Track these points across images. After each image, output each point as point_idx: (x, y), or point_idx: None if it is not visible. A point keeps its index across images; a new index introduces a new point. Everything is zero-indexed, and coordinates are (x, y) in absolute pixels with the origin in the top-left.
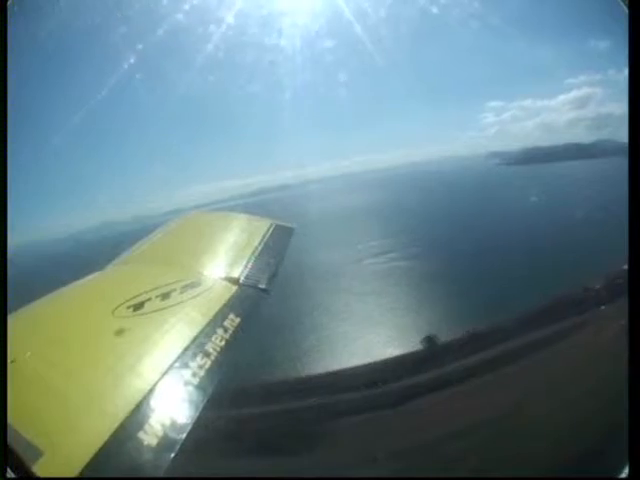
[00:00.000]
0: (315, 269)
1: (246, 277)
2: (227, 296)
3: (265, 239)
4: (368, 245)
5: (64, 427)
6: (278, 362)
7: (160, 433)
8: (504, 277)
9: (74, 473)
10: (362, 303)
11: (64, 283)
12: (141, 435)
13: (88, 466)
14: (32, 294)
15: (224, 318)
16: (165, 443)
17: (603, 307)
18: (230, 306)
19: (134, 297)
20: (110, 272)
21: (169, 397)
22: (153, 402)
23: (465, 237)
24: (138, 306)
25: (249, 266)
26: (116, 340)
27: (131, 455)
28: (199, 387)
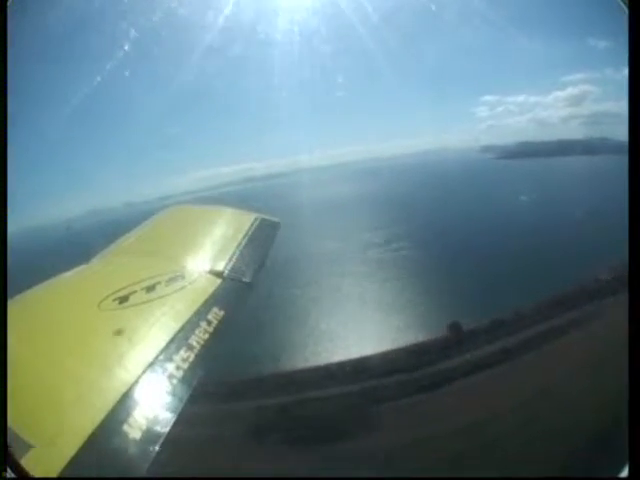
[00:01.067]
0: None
1: (230, 270)
2: (211, 289)
3: (250, 233)
4: (367, 235)
5: (50, 420)
6: (296, 348)
7: (144, 426)
8: (500, 271)
9: (60, 467)
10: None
11: (53, 274)
12: (125, 428)
13: (73, 460)
14: (20, 285)
15: (208, 311)
16: (149, 436)
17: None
18: (214, 299)
19: (120, 290)
20: (97, 265)
21: (153, 390)
22: (137, 395)
23: (461, 229)
24: (124, 299)
25: (234, 260)
26: (102, 333)
27: (115, 448)
28: (183, 380)
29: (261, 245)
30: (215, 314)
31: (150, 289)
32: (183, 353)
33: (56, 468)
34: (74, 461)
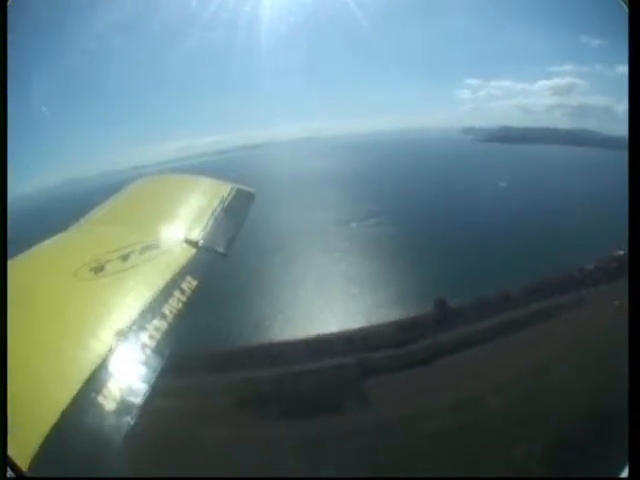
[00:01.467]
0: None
1: (205, 240)
2: (185, 258)
3: (225, 203)
4: (343, 210)
5: (26, 394)
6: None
7: (118, 398)
8: (476, 250)
9: (37, 443)
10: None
11: (31, 244)
12: (100, 400)
13: (50, 435)
14: None
15: (182, 280)
16: (123, 407)
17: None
18: (188, 268)
19: (95, 259)
20: (73, 234)
21: (127, 361)
22: (111, 366)
23: (441, 209)
24: (99, 268)
25: (208, 229)
26: (77, 303)
27: (90, 421)
28: (156, 350)
29: (236, 215)
30: (189, 283)
31: (125, 258)
32: (157, 322)
33: (32, 445)
34: (48, 439)
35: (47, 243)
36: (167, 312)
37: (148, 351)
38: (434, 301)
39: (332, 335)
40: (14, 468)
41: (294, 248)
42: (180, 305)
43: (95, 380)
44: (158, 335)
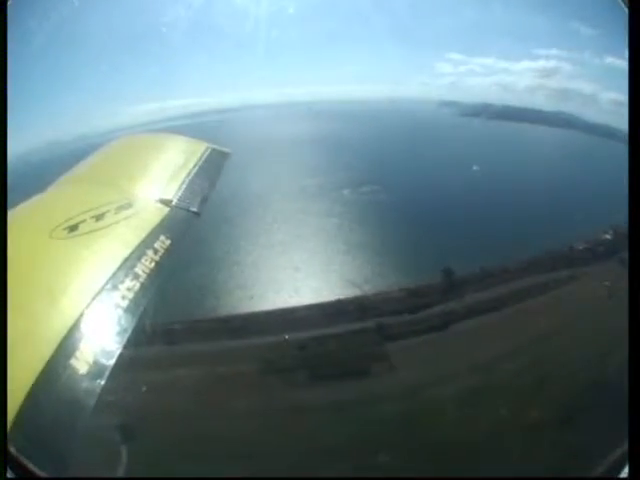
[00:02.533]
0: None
1: (179, 199)
2: (159, 218)
3: (200, 162)
4: (330, 175)
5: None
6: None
7: (91, 360)
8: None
9: (10, 418)
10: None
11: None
12: (73, 362)
13: (22, 409)
14: None
15: (155, 240)
16: (96, 370)
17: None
18: (161, 228)
19: (70, 219)
20: (49, 195)
21: (99, 322)
22: (84, 327)
23: (427, 177)
24: (73, 227)
25: (183, 188)
26: (52, 263)
27: (63, 385)
28: (128, 310)
29: (210, 175)
30: (162, 243)
31: (99, 217)
32: (129, 282)
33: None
34: (21, 414)
35: (23, 205)
36: (140, 272)
37: (120, 311)
38: (441, 271)
39: (347, 300)
40: (14, 468)
41: (275, 210)
42: (153, 265)
43: (68, 342)
44: (130, 295)
